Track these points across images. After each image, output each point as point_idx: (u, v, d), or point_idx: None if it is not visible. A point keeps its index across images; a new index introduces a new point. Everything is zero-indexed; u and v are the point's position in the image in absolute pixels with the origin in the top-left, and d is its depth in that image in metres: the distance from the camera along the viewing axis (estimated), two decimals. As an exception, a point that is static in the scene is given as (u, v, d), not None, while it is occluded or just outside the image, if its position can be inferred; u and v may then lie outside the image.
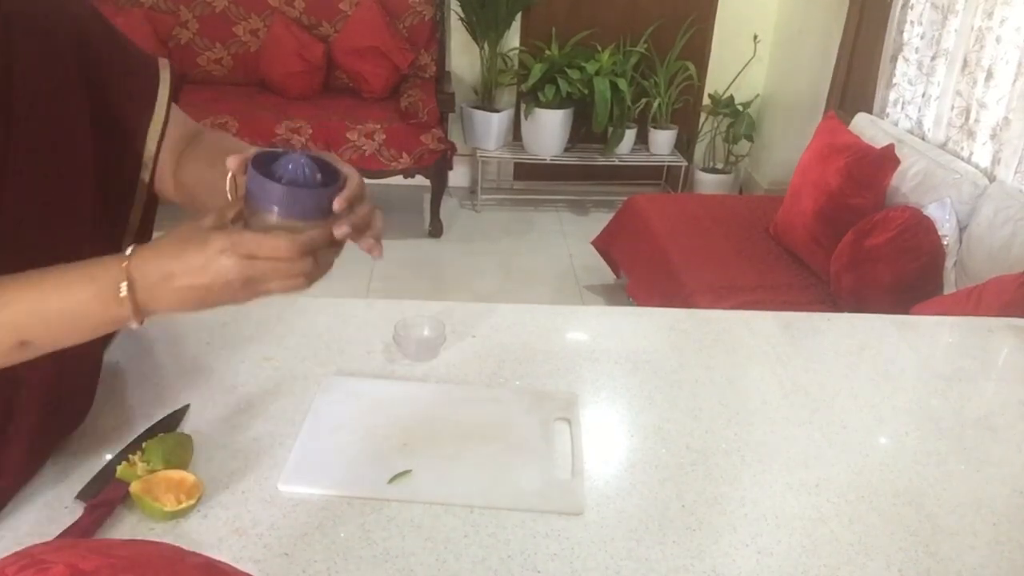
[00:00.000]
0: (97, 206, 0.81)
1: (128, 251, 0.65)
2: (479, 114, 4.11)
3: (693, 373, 1.11)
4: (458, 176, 4.35)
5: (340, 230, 0.67)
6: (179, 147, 0.88)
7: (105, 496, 0.80)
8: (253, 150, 0.69)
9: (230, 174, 0.70)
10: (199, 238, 0.64)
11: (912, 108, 3.07)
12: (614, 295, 3.47)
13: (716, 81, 4.34)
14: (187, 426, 0.94)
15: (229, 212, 0.67)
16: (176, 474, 0.82)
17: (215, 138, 0.93)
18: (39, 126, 0.74)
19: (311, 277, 0.67)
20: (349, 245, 0.72)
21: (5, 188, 0.71)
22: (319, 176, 0.68)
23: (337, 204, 0.67)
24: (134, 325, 0.66)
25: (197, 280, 0.64)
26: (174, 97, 0.90)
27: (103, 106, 0.81)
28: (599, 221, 3.52)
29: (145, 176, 0.85)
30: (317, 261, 0.67)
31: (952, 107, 2.82)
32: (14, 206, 0.72)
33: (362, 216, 0.71)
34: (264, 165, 0.67)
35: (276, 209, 0.66)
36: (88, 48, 0.79)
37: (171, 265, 0.64)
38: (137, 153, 0.85)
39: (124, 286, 0.64)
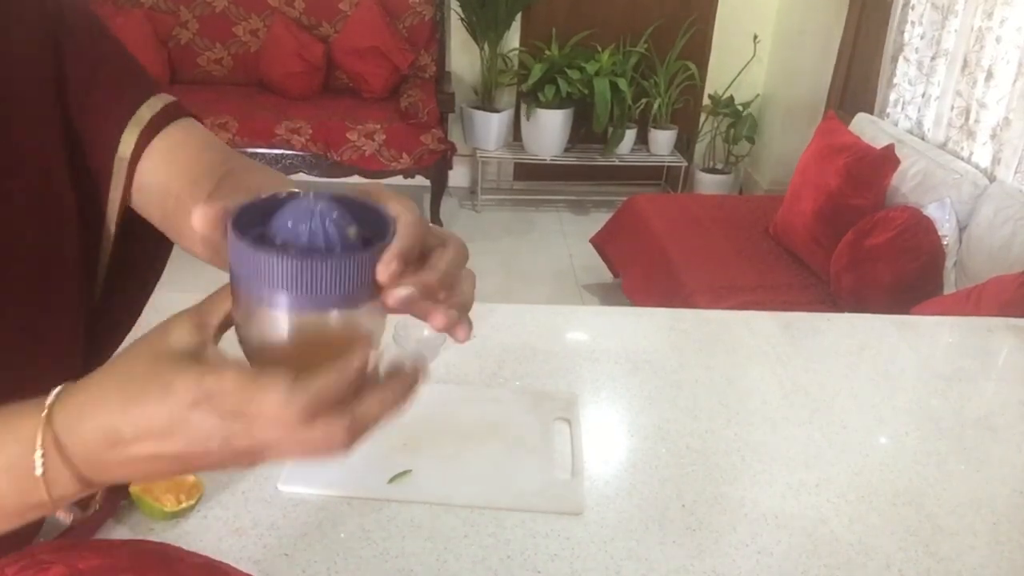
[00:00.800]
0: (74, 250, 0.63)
1: (52, 395, 0.42)
2: (479, 114, 4.11)
3: (693, 373, 1.11)
4: (458, 176, 4.35)
5: (393, 296, 0.41)
6: (198, 189, 0.62)
7: (105, 496, 0.80)
8: (242, 198, 0.43)
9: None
10: (159, 380, 0.40)
11: (912, 108, 3.07)
12: (614, 295, 3.47)
13: (716, 81, 4.34)
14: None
15: (215, 314, 0.44)
16: (176, 474, 0.82)
17: (244, 169, 0.66)
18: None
19: (346, 440, 0.41)
20: None
21: None
22: (352, 230, 0.41)
23: (383, 272, 0.40)
24: (63, 519, 0.46)
25: (160, 448, 0.41)
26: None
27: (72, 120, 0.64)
28: (599, 221, 3.52)
29: (110, 226, 0.66)
30: (356, 409, 0.41)
31: (952, 107, 2.82)
32: None
33: (438, 275, 0.44)
34: (256, 220, 0.41)
35: (284, 300, 0.39)
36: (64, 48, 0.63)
37: (117, 422, 0.40)
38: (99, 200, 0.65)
39: (39, 458, 0.41)
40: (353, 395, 0.41)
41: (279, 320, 0.40)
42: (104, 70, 0.65)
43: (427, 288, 0.42)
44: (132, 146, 0.63)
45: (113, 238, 0.66)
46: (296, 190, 0.43)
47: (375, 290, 0.41)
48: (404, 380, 0.45)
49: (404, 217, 0.42)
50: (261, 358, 0.42)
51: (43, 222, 0.61)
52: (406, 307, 0.42)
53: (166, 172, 0.64)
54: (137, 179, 0.64)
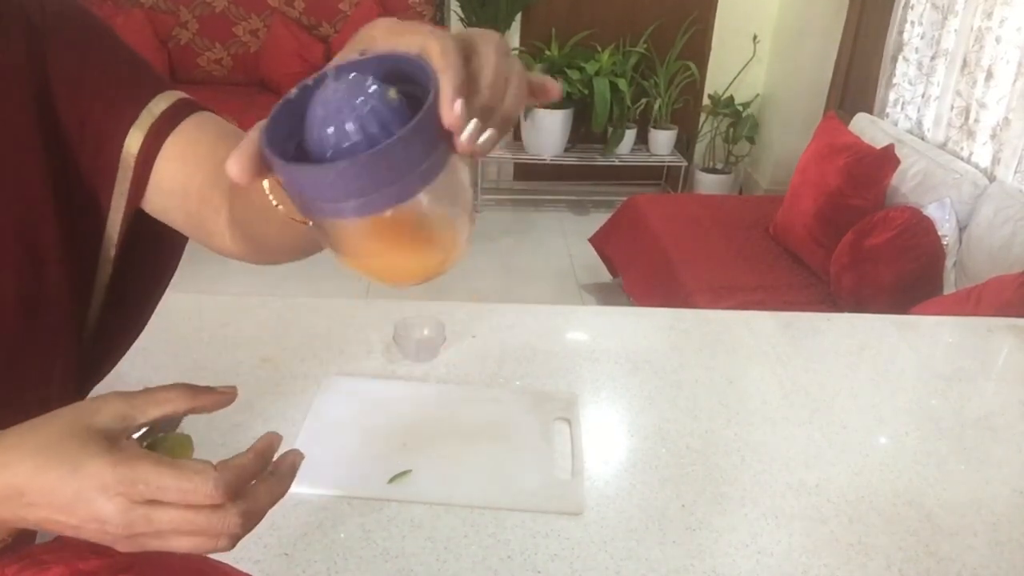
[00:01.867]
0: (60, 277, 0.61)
1: None
2: (479, 114, 4.11)
3: (693, 373, 1.11)
4: (458, 176, 4.35)
5: (463, 142, 0.37)
6: (223, 179, 0.60)
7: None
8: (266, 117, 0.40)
9: (265, 183, 0.42)
10: (71, 458, 0.42)
11: (912, 108, 3.08)
12: (614, 295, 3.47)
13: (716, 81, 4.33)
14: (187, 426, 0.94)
15: (145, 414, 0.47)
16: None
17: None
18: None
19: (239, 532, 0.45)
20: None
21: None
22: (392, 92, 0.36)
23: (448, 116, 0.36)
24: None
25: (57, 517, 0.43)
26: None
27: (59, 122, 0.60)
28: (599, 221, 3.52)
29: (112, 236, 0.63)
30: (256, 497, 0.46)
31: (952, 107, 2.82)
32: None
33: (490, 91, 0.39)
34: (291, 129, 0.39)
35: (352, 205, 0.35)
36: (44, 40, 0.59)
37: (25, 483, 0.42)
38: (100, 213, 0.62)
39: None
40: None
41: (363, 225, 0.37)
42: (107, 68, 0.62)
43: (487, 110, 0.38)
44: (139, 143, 0.60)
45: (115, 249, 0.63)
46: (308, 81, 0.39)
47: (449, 142, 0.37)
48: (285, 470, 0.49)
49: (434, 48, 0.38)
50: (358, 253, 0.41)
51: (22, 257, 0.58)
52: (477, 140, 0.38)
53: (183, 171, 0.61)
54: (154, 182, 0.61)
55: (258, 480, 0.46)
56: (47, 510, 0.43)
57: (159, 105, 0.62)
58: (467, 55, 0.39)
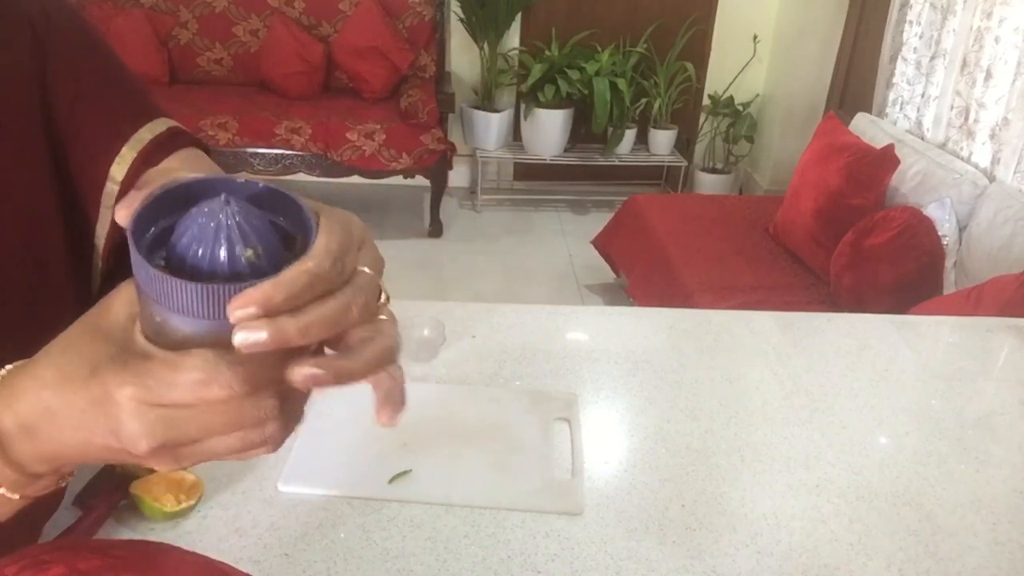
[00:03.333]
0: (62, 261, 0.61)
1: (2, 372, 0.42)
2: (479, 114, 4.11)
3: (693, 373, 1.11)
4: (458, 176, 4.35)
5: (298, 374, 0.38)
6: None
7: (105, 496, 0.80)
8: (144, 193, 0.38)
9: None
10: (90, 360, 0.38)
11: (911, 108, 3.08)
12: (614, 295, 3.47)
13: (716, 81, 4.34)
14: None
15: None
16: (176, 474, 0.82)
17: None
18: None
19: (278, 432, 0.39)
20: None
21: None
22: (249, 252, 0.36)
23: (231, 312, 0.35)
24: (11, 496, 0.42)
25: (86, 435, 0.38)
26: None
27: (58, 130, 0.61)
28: (599, 221, 3.52)
29: (98, 254, 0.62)
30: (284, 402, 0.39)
31: (951, 107, 2.82)
32: None
33: (359, 365, 0.39)
34: (160, 218, 0.38)
35: (180, 315, 0.36)
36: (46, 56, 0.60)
37: (50, 398, 0.38)
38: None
39: None
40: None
41: (180, 332, 0.37)
42: (101, 89, 0.62)
43: (341, 374, 0.39)
44: (126, 170, 0.60)
45: (102, 262, 0.62)
46: (214, 180, 0.38)
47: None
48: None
49: (330, 229, 0.38)
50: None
51: (30, 253, 0.58)
52: (312, 385, 0.38)
53: None
54: None
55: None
56: (83, 431, 0.38)
57: (155, 129, 0.62)
58: (345, 247, 0.38)
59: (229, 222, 0.35)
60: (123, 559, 0.43)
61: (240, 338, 0.35)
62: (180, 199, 0.37)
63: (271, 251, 0.36)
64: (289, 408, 0.39)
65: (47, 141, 0.59)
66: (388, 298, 0.43)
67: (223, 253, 0.35)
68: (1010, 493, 0.92)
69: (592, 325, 1.25)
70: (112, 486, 0.81)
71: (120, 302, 0.39)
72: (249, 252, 0.36)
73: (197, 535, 0.79)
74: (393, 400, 0.43)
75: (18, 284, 0.56)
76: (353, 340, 0.40)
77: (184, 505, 0.79)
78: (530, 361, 1.12)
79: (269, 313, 0.35)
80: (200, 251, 0.35)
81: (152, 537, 0.77)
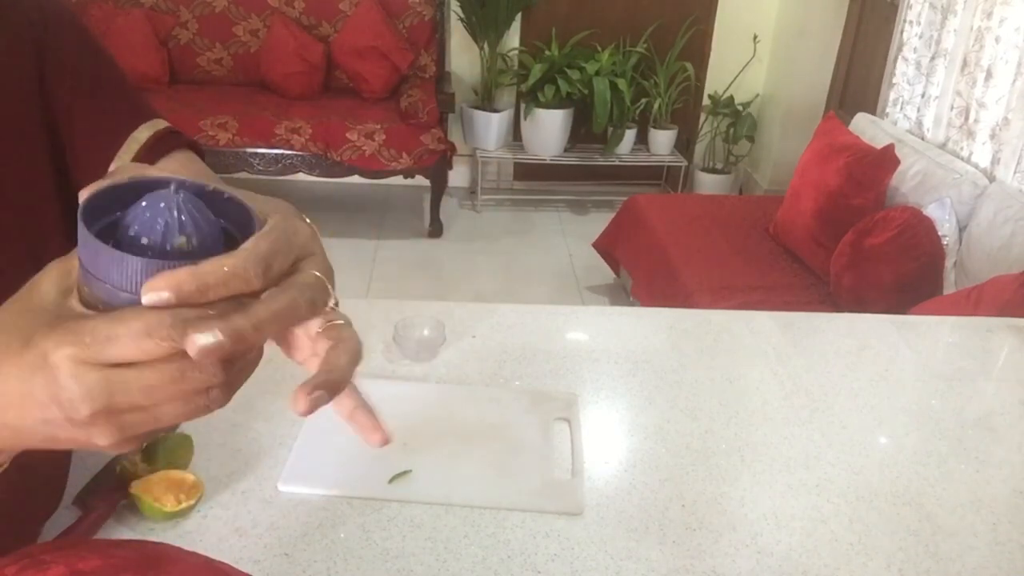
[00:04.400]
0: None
1: None
2: (479, 114, 4.11)
3: (693, 373, 1.11)
4: (458, 176, 4.35)
5: (300, 402, 0.40)
6: None
7: (105, 496, 0.80)
8: (108, 181, 0.39)
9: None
10: (22, 331, 0.36)
11: (911, 108, 3.08)
12: (614, 295, 3.47)
13: (716, 81, 4.34)
14: (187, 426, 0.94)
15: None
16: (176, 474, 0.82)
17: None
18: None
19: (221, 397, 0.38)
20: None
21: None
22: (182, 239, 0.37)
23: (144, 291, 0.35)
24: None
25: (26, 410, 0.37)
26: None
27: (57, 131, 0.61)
28: (599, 221, 3.52)
29: None
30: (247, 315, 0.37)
31: (952, 107, 2.82)
32: None
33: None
34: (114, 207, 0.39)
35: (121, 292, 0.37)
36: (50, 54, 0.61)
37: None
38: None
39: None
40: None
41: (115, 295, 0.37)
42: (99, 89, 0.63)
43: (334, 388, 0.41)
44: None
45: None
46: (170, 178, 0.39)
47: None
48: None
49: (270, 221, 0.39)
50: None
51: (27, 240, 0.58)
52: (315, 408, 0.41)
53: None
54: None
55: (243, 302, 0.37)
56: (17, 407, 0.36)
57: (146, 132, 0.64)
58: (274, 252, 0.38)
59: (172, 209, 0.37)
60: (123, 559, 0.43)
61: (196, 340, 0.35)
62: (140, 192, 0.38)
63: (207, 245, 0.38)
64: (233, 373, 0.38)
65: (48, 142, 0.60)
66: (337, 302, 0.44)
67: (157, 236, 0.37)
68: (1010, 493, 0.93)
69: (592, 325, 1.25)
70: (112, 486, 0.81)
71: (48, 280, 0.38)
72: (182, 240, 0.37)
73: (197, 535, 0.79)
74: (373, 424, 0.46)
75: (20, 286, 0.57)
76: (320, 349, 0.42)
77: (184, 505, 0.79)
78: (530, 361, 1.12)
79: (180, 299, 0.35)
80: (139, 232, 0.37)
81: (152, 537, 0.77)
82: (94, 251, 0.36)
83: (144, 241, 0.37)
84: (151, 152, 0.63)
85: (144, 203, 0.37)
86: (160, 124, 0.65)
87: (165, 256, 0.37)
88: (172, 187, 0.37)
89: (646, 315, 1.32)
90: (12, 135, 0.58)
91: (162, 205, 0.37)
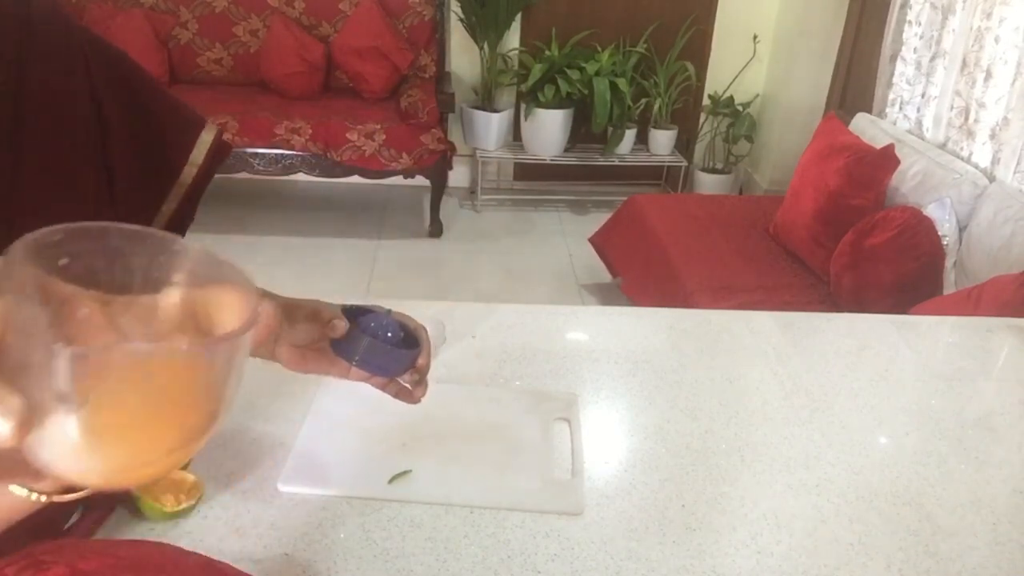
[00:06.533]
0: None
1: None
2: (479, 114, 4.11)
3: (693, 373, 1.11)
4: (458, 176, 4.35)
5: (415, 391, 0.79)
6: None
7: (105, 496, 0.80)
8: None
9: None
10: None
11: (911, 108, 3.08)
12: (614, 295, 3.47)
13: (716, 81, 4.34)
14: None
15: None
16: (176, 474, 0.82)
17: None
18: (49, 140, 0.63)
19: (19, 418, 0.33)
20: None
21: (15, 206, 0.61)
22: (400, 335, 0.77)
23: (419, 363, 0.77)
24: None
25: None
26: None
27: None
28: (599, 221, 3.52)
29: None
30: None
31: (951, 107, 2.82)
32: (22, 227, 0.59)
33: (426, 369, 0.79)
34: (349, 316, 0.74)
35: (356, 359, 0.72)
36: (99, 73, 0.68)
37: None
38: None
39: None
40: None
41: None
42: (152, 97, 0.72)
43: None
44: (204, 152, 0.75)
45: None
46: (375, 309, 0.78)
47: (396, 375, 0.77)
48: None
49: (424, 344, 0.78)
50: None
51: None
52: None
53: None
54: None
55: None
56: None
57: (212, 130, 0.76)
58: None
59: (386, 321, 0.77)
60: (123, 559, 0.43)
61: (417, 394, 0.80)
62: (352, 315, 0.75)
63: (395, 341, 0.77)
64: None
65: (103, 154, 0.68)
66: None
67: (389, 333, 0.77)
68: (1010, 493, 0.93)
69: (592, 325, 1.25)
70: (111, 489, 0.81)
71: None
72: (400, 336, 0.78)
73: (197, 535, 0.79)
74: (406, 389, 0.79)
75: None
76: None
77: (184, 505, 0.79)
78: (530, 361, 1.12)
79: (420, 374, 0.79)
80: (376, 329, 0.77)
81: (152, 537, 0.77)
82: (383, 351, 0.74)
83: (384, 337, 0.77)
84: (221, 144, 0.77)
85: (371, 319, 0.76)
86: (215, 126, 0.77)
87: (393, 342, 0.77)
88: (385, 311, 0.78)
89: (646, 315, 1.32)
90: (74, 150, 0.65)
91: (385, 322, 0.77)
